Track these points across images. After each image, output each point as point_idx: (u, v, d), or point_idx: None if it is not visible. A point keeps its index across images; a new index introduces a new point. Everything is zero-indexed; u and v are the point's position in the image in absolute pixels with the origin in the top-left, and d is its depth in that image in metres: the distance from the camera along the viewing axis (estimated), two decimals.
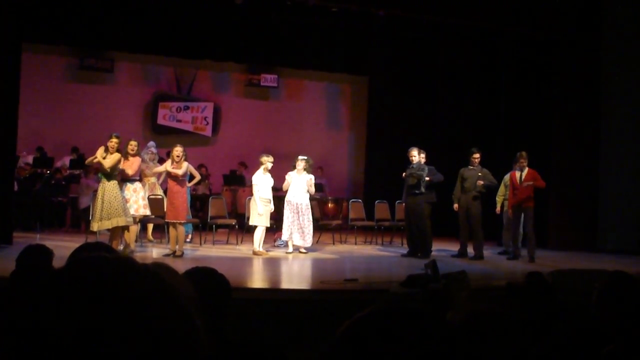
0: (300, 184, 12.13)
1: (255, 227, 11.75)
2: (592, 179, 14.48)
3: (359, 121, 19.95)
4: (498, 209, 13.16)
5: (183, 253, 10.91)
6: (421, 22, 15.00)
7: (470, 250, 12.29)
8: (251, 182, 12.09)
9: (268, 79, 19.07)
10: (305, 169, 12.21)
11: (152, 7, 15.48)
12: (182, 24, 16.20)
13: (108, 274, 0.96)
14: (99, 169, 10.80)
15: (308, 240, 12.20)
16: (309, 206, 12.31)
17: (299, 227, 12.05)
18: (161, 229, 12.82)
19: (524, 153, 12.16)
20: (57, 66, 17.52)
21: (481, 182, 12.28)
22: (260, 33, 16.93)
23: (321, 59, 18.01)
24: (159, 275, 0.99)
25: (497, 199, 13.13)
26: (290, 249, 12.14)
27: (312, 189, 12.33)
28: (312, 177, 12.32)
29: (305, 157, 12.32)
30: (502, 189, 12.99)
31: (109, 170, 10.37)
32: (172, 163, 10.93)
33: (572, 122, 14.50)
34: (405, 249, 12.78)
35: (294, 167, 12.27)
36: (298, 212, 12.07)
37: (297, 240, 12.09)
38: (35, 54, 15.97)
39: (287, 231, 12.12)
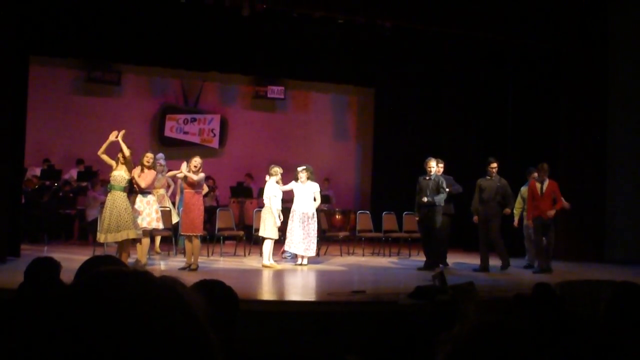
0: (305, 193, 12.09)
1: (264, 239, 11.71)
2: (599, 189, 14.44)
3: (366, 132, 19.95)
4: (516, 222, 12.86)
5: (198, 267, 10.78)
6: (427, 33, 15.01)
7: (492, 262, 11.94)
8: (258, 193, 12.06)
9: (275, 91, 19.08)
10: (309, 178, 12.20)
11: (158, 19, 15.51)
12: (189, 36, 16.21)
13: (127, 288, 0.96)
14: (108, 181, 10.84)
15: (312, 250, 12.15)
16: (315, 215, 12.27)
17: (305, 236, 11.97)
18: (169, 242, 12.82)
19: (545, 165, 11.91)
20: (64, 79, 17.60)
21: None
22: (267, 45, 16.93)
23: (328, 70, 18.00)
24: (176, 290, 0.99)
25: (514, 211, 12.72)
26: (300, 260, 12.09)
27: (318, 199, 12.28)
28: (317, 185, 12.32)
29: (305, 167, 12.28)
30: (519, 201, 12.70)
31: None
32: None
33: (579, 133, 14.48)
34: (412, 261, 12.73)
35: (296, 179, 12.24)
36: (304, 222, 12.02)
37: (300, 250, 11.99)
38: (43, 66, 16.04)
39: (288, 241, 12.06)
